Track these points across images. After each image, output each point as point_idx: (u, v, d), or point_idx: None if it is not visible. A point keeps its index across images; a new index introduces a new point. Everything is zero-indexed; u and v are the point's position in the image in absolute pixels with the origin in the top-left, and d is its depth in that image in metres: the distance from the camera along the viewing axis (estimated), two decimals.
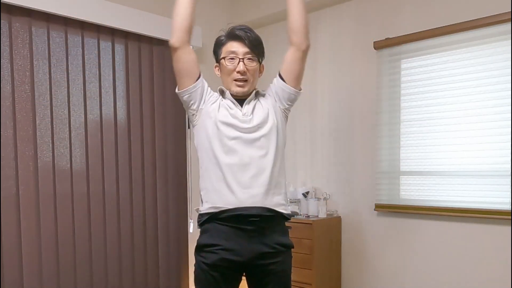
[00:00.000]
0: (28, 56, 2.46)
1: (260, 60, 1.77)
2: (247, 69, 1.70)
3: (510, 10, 2.39)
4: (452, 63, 2.65)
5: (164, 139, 3.07)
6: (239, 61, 1.69)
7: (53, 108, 2.57)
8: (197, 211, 1.76)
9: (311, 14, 3.32)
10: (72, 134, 2.65)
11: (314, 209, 3.08)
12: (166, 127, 3.08)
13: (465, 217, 2.61)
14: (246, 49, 1.70)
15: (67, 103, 2.62)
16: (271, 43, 3.58)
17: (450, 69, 2.65)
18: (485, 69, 2.53)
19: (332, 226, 3.11)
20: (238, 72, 1.69)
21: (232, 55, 1.70)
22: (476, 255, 2.59)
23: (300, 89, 1.82)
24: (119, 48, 2.87)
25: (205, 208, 1.70)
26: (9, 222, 2.40)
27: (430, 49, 2.73)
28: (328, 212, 3.12)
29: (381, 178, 2.96)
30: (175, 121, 3.15)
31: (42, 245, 2.52)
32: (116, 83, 2.85)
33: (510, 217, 2.42)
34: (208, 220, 1.69)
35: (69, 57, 2.63)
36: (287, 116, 1.86)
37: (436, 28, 2.66)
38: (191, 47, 1.74)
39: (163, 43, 3.07)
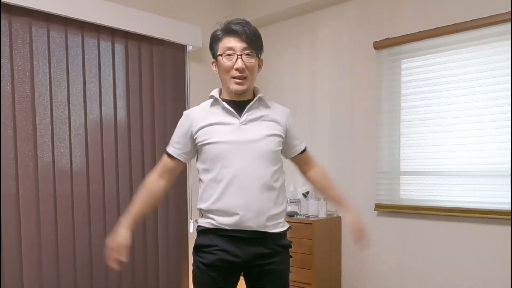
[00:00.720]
0: (28, 56, 2.46)
1: (259, 55, 1.68)
2: (245, 65, 1.61)
3: (510, 10, 2.39)
4: (452, 63, 2.65)
5: (164, 139, 3.07)
6: (237, 58, 1.60)
7: (53, 108, 2.57)
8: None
9: (311, 14, 3.33)
10: (72, 134, 2.65)
11: (314, 209, 3.08)
12: (166, 127, 3.08)
13: (465, 217, 2.61)
14: (244, 45, 1.60)
15: (67, 103, 2.62)
16: (271, 43, 3.59)
17: (450, 69, 2.65)
18: (485, 69, 2.53)
19: (332, 226, 3.11)
20: (236, 69, 1.60)
21: (229, 52, 1.61)
22: (476, 255, 2.59)
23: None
24: (119, 48, 2.87)
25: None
26: (9, 222, 2.40)
27: (430, 49, 2.73)
28: (328, 212, 3.12)
29: (381, 178, 2.96)
30: (175, 121, 3.12)
31: (42, 245, 2.52)
32: (116, 83, 2.85)
33: (510, 217, 2.42)
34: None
35: (69, 57, 2.63)
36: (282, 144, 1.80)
37: (436, 28, 2.66)
38: (178, 158, 1.74)
39: (163, 43, 3.07)
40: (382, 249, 2.98)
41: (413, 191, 2.85)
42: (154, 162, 3.03)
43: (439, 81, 2.70)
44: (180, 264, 3.19)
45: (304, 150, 1.85)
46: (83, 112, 2.70)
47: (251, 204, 1.61)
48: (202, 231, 1.71)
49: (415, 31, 2.75)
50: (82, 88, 2.69)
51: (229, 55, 1.62)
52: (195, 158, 1.78)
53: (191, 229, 3.22)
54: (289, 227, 1.78)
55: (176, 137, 1.75)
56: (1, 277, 2.37)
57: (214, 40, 1.67)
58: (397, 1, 2.87)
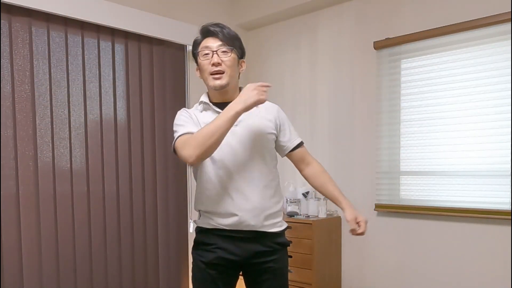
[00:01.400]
0: (28, 56, 2.46)
1: (238, 53, 1.69)
2: (222, 60, 1.63)
3: (510, 10, 2.39)
4: (452, 63, 2.65)
5: (164, 139, 3.07)
6: (213, 54, 1.64)
7: (53, 108, 2.57)
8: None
9: (311, 14, 3.33)
10: (72, 134, 2.65)
11: (314, 209, 3.08)
12: (166, 127, 3.08)
13: (465, 217, 2.61)
14: (219, 42, 1.64)
15: (67, 103, 2.62)
16: (271, 43, 3.59)
17: (450, 69, 2.65)
18: (485, 69, 2.53)
19: (332, 226, 3.11)
20: (212, 64, 1.63)
21: (206, 50, 1.65)
22: (476, 255, 2.59)
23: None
24: (119, 48, 2.87)
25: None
26: (9, 221, 2.40)
27: (430, 49, 2.73)
28: (328, 212, 3.12)
29: (381, 178, 2.96)
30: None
31: (42, 245, 2.52)
32: (116, 83, 2.85)
33: (510, 217, 2.42)
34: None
35: (69, 57, 2.63)
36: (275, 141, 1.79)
37: (436, 28, 2.66)
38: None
39: (163, 43, 3.07)
40: (382, 249, 2.98)
41: (413, 191, 2.84)
42: (154, 162, 3.03)
43: (439, 81, 2.70)
44: (180, 264, 3.19)
45: (299, 146, 1.80)
46: (83, 112, 2.70)
47: (249, 205, 1.63)
48: (201, 231, 1.72)
49: (415, 31, 2.75)
50: (82, 88, 2.69)
51: (206, 54, 1.66)
52: None
53: (191, 229, 3.22)
54: (288, 227, 1.79)
55: (188, 122, 1.66)
56: (1, 277, 2.37)
57: (195, 46, 1.73)
58: (397, 1, 2.87)
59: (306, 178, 1.86)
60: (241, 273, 1.78)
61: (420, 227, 2.80)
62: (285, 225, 1.77)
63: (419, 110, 2.79)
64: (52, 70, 2.56)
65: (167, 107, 3.10)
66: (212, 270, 1.66)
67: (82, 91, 2.69)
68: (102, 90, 2.78)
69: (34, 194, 2.49)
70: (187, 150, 1.53)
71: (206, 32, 1.67)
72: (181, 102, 3.21)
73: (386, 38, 2.88)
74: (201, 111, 1.72)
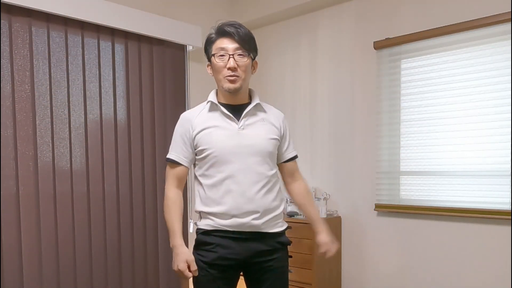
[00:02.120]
0: (28, 56, 2.46)
1: (252, 55, 1.70)
2: (237, 65, 1.64)
3: (510, 10, 2.39)
4: (452, 63, 2.65)
5: (164, 139, 3.07)
6: (229, 57, 1.63)
7: (53, 108, 2.57)
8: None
9: (311, 14, 3.33)
10: (72, 134, 2.65)
11: None
12: (166, 127, 3.08)
13: (465, 217, 2.61)
14: (236, 45, 1.64)
15: (67, 103, 2.62)
16: (271, 43, 3.59)
17: (450, 69, 2.65)
18: (485, 69, 2.53)
19: (332, 226, 3.08)
20: (229, 68, 1.63)
21: (222, 52, 1.64)
22: (476, 255, 2.59)
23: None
24: (119, 48, 2.87)
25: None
26: (9, 222, 2.40)
27: (430, 49, 2.73)
28: (328, 212, 3.12)
29: (381, 178, 2.96)
30: (175, 121, 3.13)
31: (42, 245, 2.52)
32: (116, 83, 2.85)
33: (510, 217, 2.42)
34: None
35: (69, 57, 2.63)
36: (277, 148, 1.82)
37: (436, 28, 2.66)
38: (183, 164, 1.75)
39: (163, 43, 3.07)
40: (382, 249, 2.98)
41: (413, 191, 2.85)
42: (154, 162, 3.03)
43: (439, 81, 2.70)
44: None
45: (293, 158, 1.86)
46: (83, 112, 2.69)
47: (251, 207, 1.65)
48: (202, 232, 1.73)
49: (415, 31, 2.75)
50: (82, 88, 2.69)
51: (221, 55, 1.65)
52: None
53: (191, 229, 3.22)
54: (288, 227, 1.80)
55: (179, 143, 1.73)
56: (1, 277, 2.37)
57: (208, 43, 1.71)
58: (397, 1, 2.87)
59: (290, 193, 1.91)
60: (241, 272, 1.78)
61: (420, 227, 2.80)
62: (285, 225, 1.80)
63: (419, 110, 2.79)
64: (52, 70, 2.56)
65: (167, 107, 3.10)
66: (213, 270, 1.66)
67: (82, 91, 2.69)
68: (102, 90, 2.78)
69: (34, 194, 2.49)
70: (165, 187, 1.77)
71: (222, 32, 1.66)
72: (181, 102, 3.21)
73: (386, 38, 2.88)
74: (208, 111, 1.73)
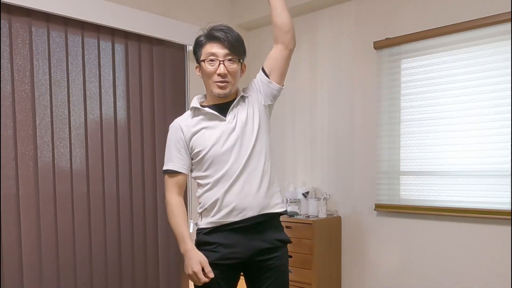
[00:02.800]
0: (28, 56, 2.46)
1: (241, 60, 1.72)
2: (227, 71, 1.66)
3: (510, 10, 2.39)
4: (452, 63, 2.65)
5: (164, 139, 3.05)
6: (220, 64, 1.65)
7: (53, 108, 2.57)
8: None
9: (311, 14, 3.33)
10: (72, 134, 2.65)
11: (314, 209, 3.08)
12: (166, 127, 3.07)
13: (465, 217, 2.61)
14: (226, 51, 1.65)
15: (67, 103, 2.62)
16: (271, 43, 3.57)
17: (450, 69, 2.65)
18: (485, 69, 2.53)
19: (332, 226, 3.11)
20: (219, 74, 1.65)
21: (212, 57, 1.66)
22: (476, 255, 2.59)
23: (283, 85, 1.81)
24: (119, 48, 2.87)
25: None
26: (9, 222, 2.40)
27: (430, 49, 2.73)
28: (328, 212, 3.12)
29: (381, 178, 2.96)
30: None
31: (42, 245, 2.52)
32: (116, 83, 2.85)
33: (510, 217, 2.42)
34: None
35: (69, 57, 2.63)
36: (271, 113, 1.84)
37: (436, 28, 2.66)
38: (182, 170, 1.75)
39: (163, 43, 3.07)
40: (382, 249, 2.98)
41: (413, 191, 2.85)
42: (154, 162, 3.03)
43: (439, 81, 2.70)
44: (180, 264, 3.19)
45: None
46: (83, 112, 2.69)
47: (250, 200, 1.67)
48: (203, 233, 1.73)
49: (415, 31, 2.75)
50: (82, 88, 2.69)
51: (211, 60, 1.66)
52: None
53: (191, 229, 3.22)
54: (285, 210, 1.86)
55: (174, 152, 1.75)
56: (1, 277, 2.37)
57: (197, 46, 1.72)
58: (397, 1, 2.87)
59: (277, 23, 1.85)
60: (242, 274, 1.79)
61: (420, 227, 2.80)
62: (285, 208, 1.83)
63: (419, 110, 2.78)
64: (52, 70, 2.56)
65: (167, 107, 3.10)
66: (215, 270, 1.66)
67: (82, 91, 2.69)
68: (102, 90, 2.78)
69: (34, 194, 2.49)
70: (166, 196, 1.75)
71: (211, 37, 1.67)
72: (181, 102, 3.21)
73: (386, 38, 2.88)
74: (193, 117, 1.75)
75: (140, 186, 2.97)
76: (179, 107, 3.15)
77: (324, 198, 3.10)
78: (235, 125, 1.69)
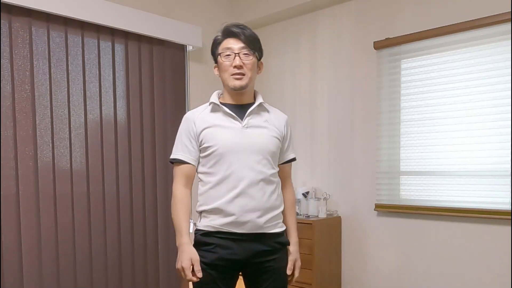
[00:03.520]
0: (28, 56, 2.46)
1: (258, 55, 1.73)
2: (243, 63, 1.67)
3: (510, 10, 2.40)
4: (452, 63, 2.65)
5: (164, 139, 3.07)
6: (235, 56, 1.67)
7: (53, 108, 2.57)
8: None
9: (311, 14, 3.33)
10: (72, 134, 2.65)
11: (314, 209, 3.08)
12: (166, 127, 3.09)
13: (465, 217, 2.61)
14: (241, 44, 1.67)
15: (67, 103, 2.62)
16: (271, 43, 3.59)
17: (450, 69, 2.65)
18: (485, 69, 2.53)
19: (332, 226, 3.11)
20: (235, 66, 1.66)
21: (228, 51, 1.68)
22: (476, 255, 2.59)
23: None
24: (119, 48, 2.87)
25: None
26: (9, 222, 2.40)
27: (430, 49, 2.73)
28: (328, 212, 3.12)
29: (381, 178, 2.96)
30: (175, 121, 3.15)
31: (42, 245, 2.52)
32: (116, 83, 2.85)
33: (510, 217, 2.42)
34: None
35: (69, 57, 2.63)
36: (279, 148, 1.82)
37: (436, 28, 2.66)
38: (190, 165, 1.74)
39: (163, 43, 3.07)
40: (382, 249, 2.98)
41: (413, 191, 2.85)
42: (154, 162, 3.03)
43: (439, 81, 2.70)
44: None
45: (292, 160, 1.88)
46: (83, 112, 2.69)
47: (253, 204, 1.66)
48: (202, 234, 1.73)
49: (415, 31, 2.75)
50: (82, 88, 2.69)
51: (227, 54, 1.68)
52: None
53: (191, 229, 3.22)
54: (285, 229, 1.82)
55: (184, 142, 1.73)
56: (1, 277, 2.37)
57: (215, 44, 1.74)
58: (397, 1, 2.87)
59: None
60: (240, 273, 1.78)
61: (420, 227, 2.80)
62: (284, 227, 1.80)
63: (419, 110, 2.79)
64: (52, 70, 2.56)
65: (167, 107, 3.10)
66: (213, 270, 1.66)
67: (82, 91, 2.69)
68: (102, 90, 2.78)
69: (34, 194, 2.49)
70: (173, 186, 1.76)
71: (228, 33, 1.70)
72: (181, 102, 3.21)
73: (386, 38, 2.88)
74: (211, 112, 1.74)
75: (140, 186, 2.97)
76: (179, 107, 3.16)
77: (324, 198, 3.10)
78: (251, 131, 1.69)
